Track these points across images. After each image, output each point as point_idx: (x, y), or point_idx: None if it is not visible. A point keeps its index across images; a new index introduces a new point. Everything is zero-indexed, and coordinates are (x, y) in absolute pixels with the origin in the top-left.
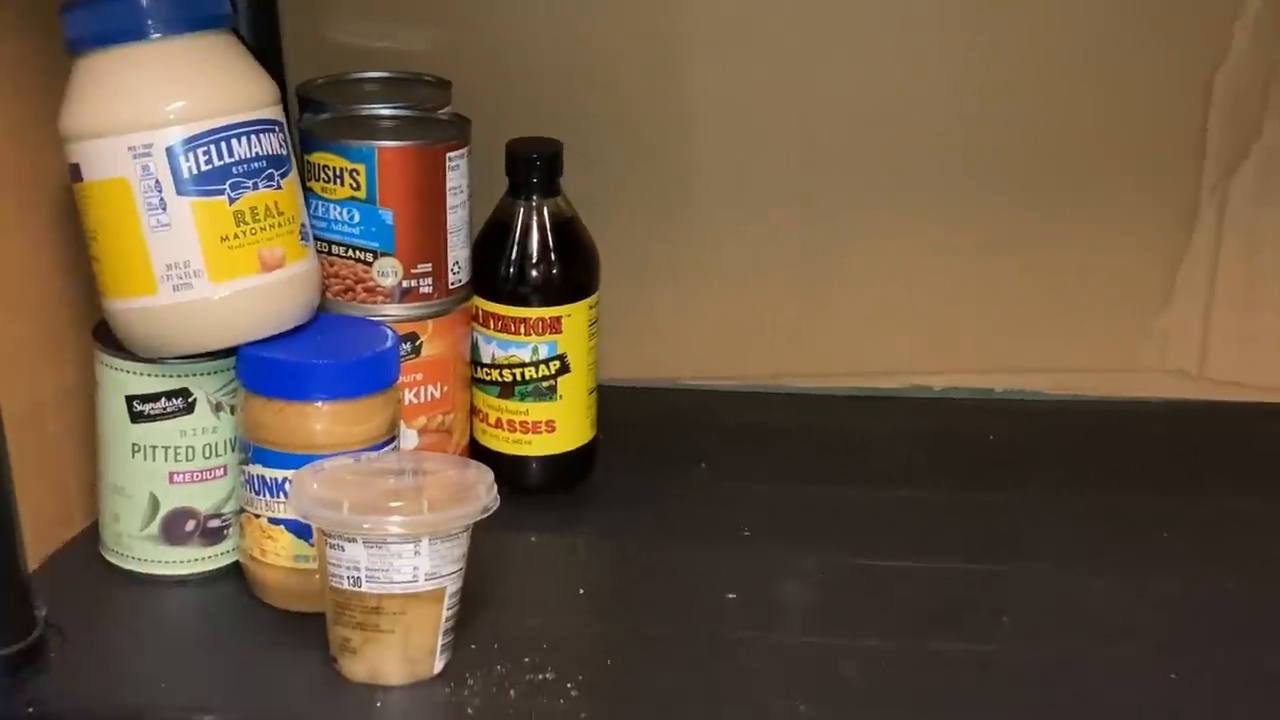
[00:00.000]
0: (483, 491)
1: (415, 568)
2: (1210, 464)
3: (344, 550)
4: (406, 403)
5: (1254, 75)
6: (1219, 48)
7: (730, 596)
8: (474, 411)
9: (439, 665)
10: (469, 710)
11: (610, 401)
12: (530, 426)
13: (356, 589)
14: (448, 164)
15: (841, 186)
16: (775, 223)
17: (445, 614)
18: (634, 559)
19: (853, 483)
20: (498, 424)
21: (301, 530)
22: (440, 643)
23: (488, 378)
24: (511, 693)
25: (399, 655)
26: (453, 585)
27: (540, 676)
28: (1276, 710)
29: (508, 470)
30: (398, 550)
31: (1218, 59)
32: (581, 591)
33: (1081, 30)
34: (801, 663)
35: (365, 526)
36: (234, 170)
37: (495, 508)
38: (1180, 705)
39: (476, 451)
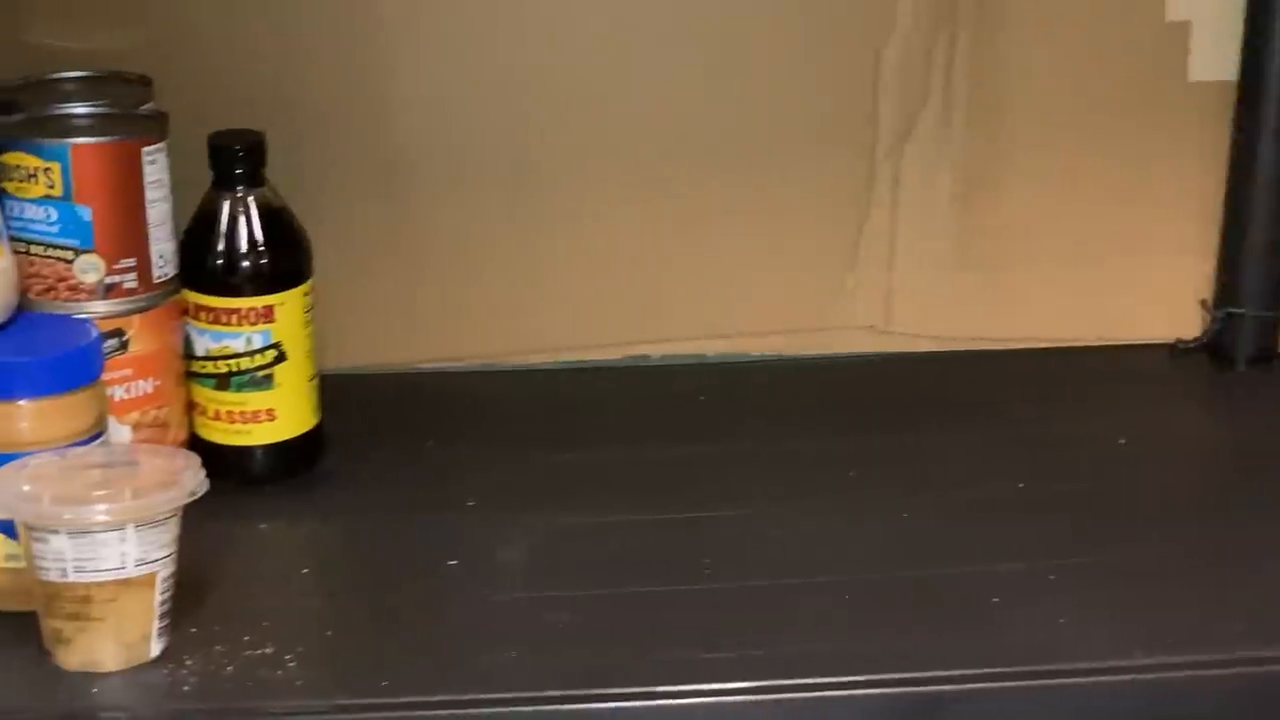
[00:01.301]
0: (189, 477)
1: (124, 554)
2: (896, 408)
3: (48, 542)
4: (117, 399)
5: (917, 48)
6: (885, 23)
7: (451, 563)
8: (192, 405)
9: (156, 649)
10: (185, 688)
11: (339, 389)
12: (249, 416)
13: (64, 580)
14: (145, 159)
15: (550, 164)
16: (488, 203)
17: (159, 598)
18: (359, 536)
19: (574, 449)
20: (216, 416)
21: (11, 530)
22: (156, 627)
23: (203, 370)
24: (229, 668)
25: (113, 642)
26: (164, 570)
27: (259, 651)
28: (936, 610)
29: (232, 461)
30: (104, 539)
31: (884, 33)
32: (305, 571)
33: (762, 11)
34: (515, 616)
35: (66, 517)
36: None
37: (202, 491)
38: (855, 616)
39: (198, 445)
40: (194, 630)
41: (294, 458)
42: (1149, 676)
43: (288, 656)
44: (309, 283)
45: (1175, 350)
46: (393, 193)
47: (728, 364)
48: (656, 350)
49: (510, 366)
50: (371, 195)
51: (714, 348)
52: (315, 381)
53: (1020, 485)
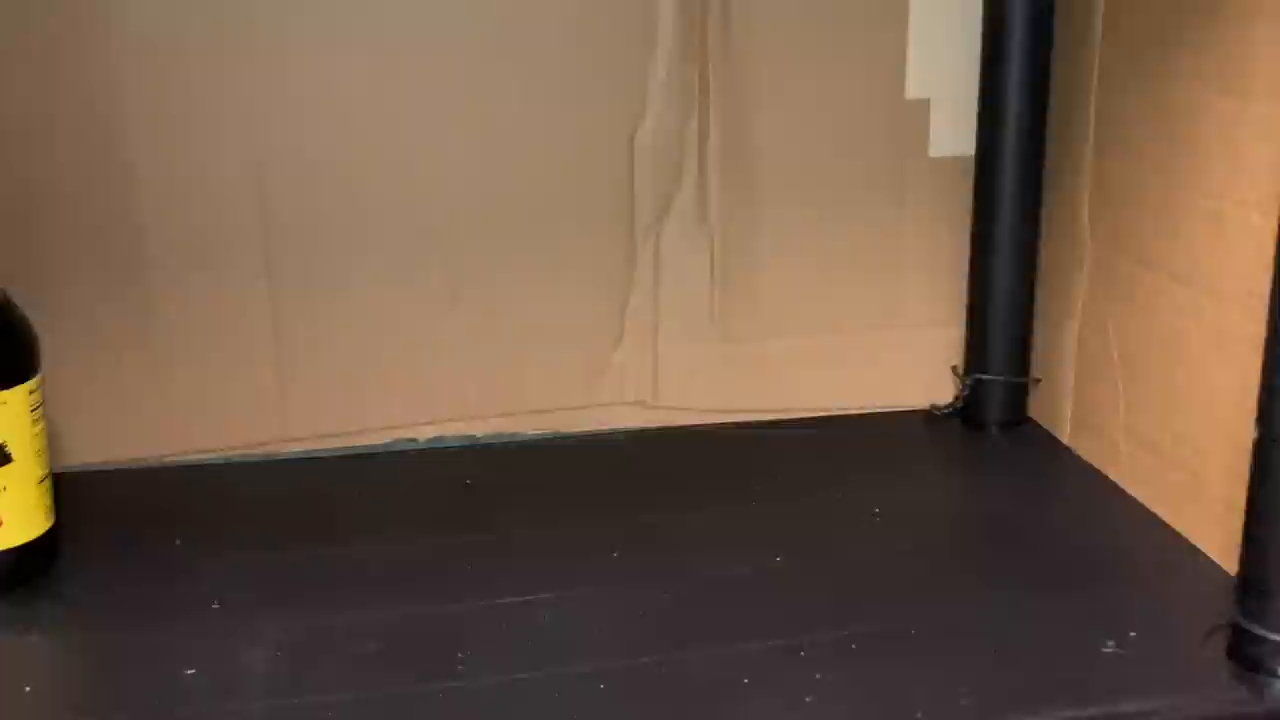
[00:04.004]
0: None
1: None
2: (661, 485)
3: None
4: None
5: (670, 131)
6: (637, 105)
7: (189, 672)
8: None
9: None
10: None
11: (80, 488)
12: None
13: None
14: None
15: (303, 245)
16: (239, 289)
17: None
18: (92, 649)
19: (330, 542)
20: None
21: None
22: None
23: None
24: None
25: None
26: None
27: None
28: (687, 693)
29: None
30: None
31: (638, 116)
32: (28, 689)
33: (523, 95)
34: None
35: None
36: None
37: None
38: (607, 706)
39: None
40: None
41: (23, 565)
42: None
43: None
44: (36, 379)
45: (930, 416)
46: (133, 280)
47: (497, 444)
48: (423, 433)
49: (266, 457)
50: (110, 283)
51: (483, 428)
52: (47, 483)
53: (778, 559)
